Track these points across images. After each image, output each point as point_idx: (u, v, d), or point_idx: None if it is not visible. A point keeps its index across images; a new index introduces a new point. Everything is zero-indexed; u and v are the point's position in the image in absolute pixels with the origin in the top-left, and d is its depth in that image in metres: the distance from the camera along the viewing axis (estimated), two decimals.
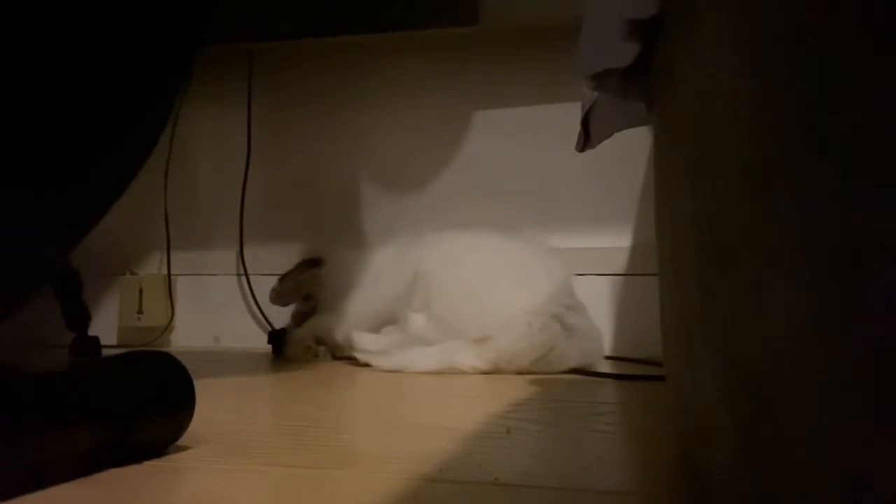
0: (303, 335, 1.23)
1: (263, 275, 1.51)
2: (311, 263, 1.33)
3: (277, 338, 1.32)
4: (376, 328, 1.16)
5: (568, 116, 0.94)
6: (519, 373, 1.02)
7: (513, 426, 0.63)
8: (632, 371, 1.05)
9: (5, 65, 0.42)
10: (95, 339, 1.34)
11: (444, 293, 1.08)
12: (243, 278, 1.55)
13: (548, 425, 0.66)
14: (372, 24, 1.39)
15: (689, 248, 0.38)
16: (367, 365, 1.09)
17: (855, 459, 0.19)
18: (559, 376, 1.02)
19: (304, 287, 1.32)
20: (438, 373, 1.02)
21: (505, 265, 1.11)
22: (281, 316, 1.43)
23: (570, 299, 1.10)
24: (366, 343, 1.13)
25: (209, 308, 1.57)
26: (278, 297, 1.38)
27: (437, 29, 1.38)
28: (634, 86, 0.57)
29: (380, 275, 1.21)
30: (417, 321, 1.09)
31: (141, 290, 1.56)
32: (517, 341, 1.01)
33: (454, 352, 1.02)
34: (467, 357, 1.01)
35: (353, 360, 1.13)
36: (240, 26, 1.38)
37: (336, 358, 1.20)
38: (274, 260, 1.51)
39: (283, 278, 1.36)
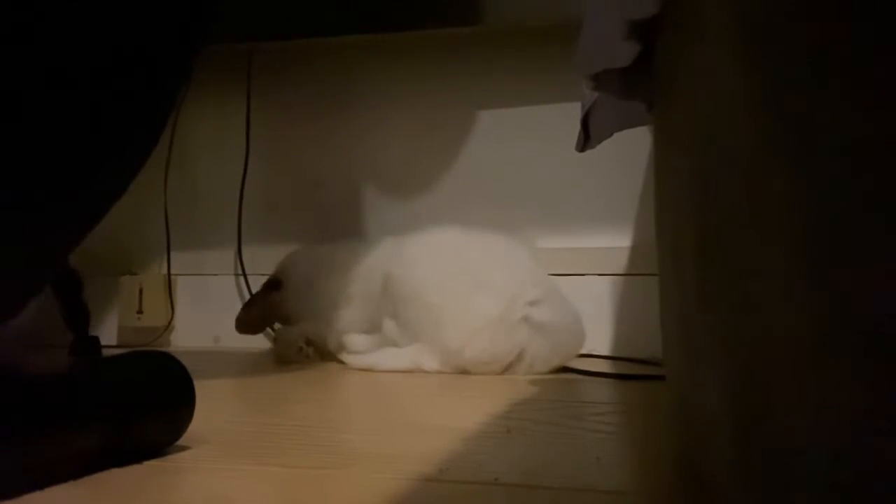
0: (294, 336, 1.24)
1: (262, 275, 1.51)
2: (271, 286, 1.32)
3: None
4: (366, 331, 1.17)
5: (568, 116, 0.94)
6: (500, 374, 1.02)
7: (513, 426, 0.63)
8: (632, 371, 1.05)
9: (5, 66, 0.42)
10: (95, 339, 1.34)
11: (406, 301, 1.09)
12: (242, 278, 1.55)
13: (548, 425, 0.66)
14: (372, 25, 1.39)
15: (689, 248, 0.38)
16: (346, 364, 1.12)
17: (855, 458, 0.19)
18: (558, 376, 1.02)
19: (268, 316, 1.32)
20: (407, 372, 1.04)
21: (462, 270, 1.08)
22: None
23: (538, 291, 1.06)
24: (354, 344, 1.14)
25: (209, 308, 1.57)
26: (244, 326, 1.34)
27: (438, 29, 1.38)
28: (634, 86, 0.57)
29: (359, 279, 1.22)
30: (389, 326, 1.11)
31: (141, 290, 1.56)
32: (482, 352, 1.01)
33: (420, 356, 1.04)
34: (433, 363, 1.03)
35: (340, 362, 1.14)
36: (240, 26, 1.38)
37: (324, 360, 1.21)
38: (272, 260, 1.50)
39: (248, 305, 1.35)
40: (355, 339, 1.15)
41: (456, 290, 1.05)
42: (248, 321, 1.34)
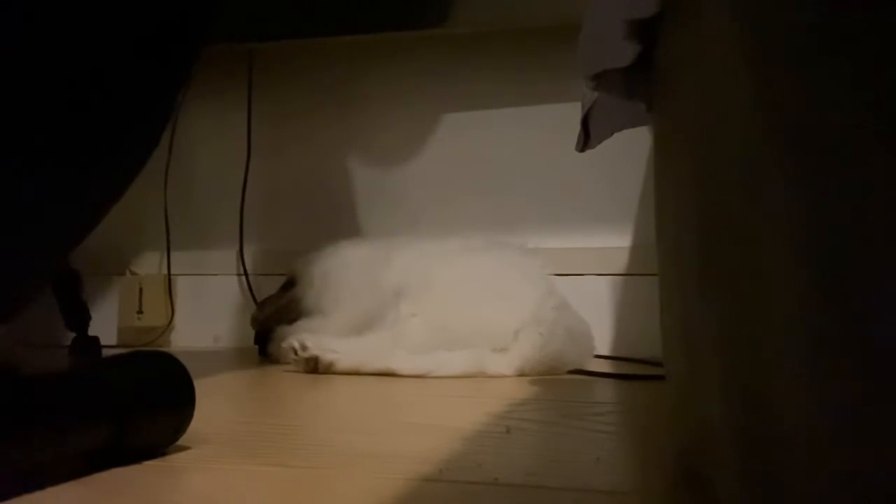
0: (287, 336, 1.23)
1: (263, 275, 1.51)
2: (288, 285, 1.33)
3: (263, 338, 1.32)
4: (360, 333, 1.16)
5: (568, 116, 0.94)
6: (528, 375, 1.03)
7: (513, 426, 0.63)
8: (632, 371, 1.05)
9: (6, 66, 0.42)
10: (95, 339, 1.34)
11: (437, 304, 1.09)
12: (243, 278, 1.55)
13: (548, 425, 0.66)
14: (372, 25, 1.39)
15: (690, 249, 0.38)
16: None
17: (855, 460, 0.19)
18: (559, 376, 1.02)
19: (283, 312, 1.31)
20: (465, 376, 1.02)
21: (483, 277, 1.11)
22: None
23: (556, 299, 1.11)
24: (326, 346, 1.12)
25: (209, 308, 1.57)
26: (259, 324, 1.35)
27: (433, 30, 1.38)
28: (634, 86, 0.57)
29: (362, 281, 1.22)
30: (415, 325, 1.10)
31: (141, 290, 1.56)
32: (536, 350, 1.04)
33: (483, 358, 1.03)
34: (497, 364, 1.03)
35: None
36: (240, 26, 1.38)
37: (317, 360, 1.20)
38: (274, 260, 1.50)
39: (263, 304, 1.35)
40: (329, 342, 1.12)
41: (483, 296, 1.08)
42: (263, 320, 1.34)
